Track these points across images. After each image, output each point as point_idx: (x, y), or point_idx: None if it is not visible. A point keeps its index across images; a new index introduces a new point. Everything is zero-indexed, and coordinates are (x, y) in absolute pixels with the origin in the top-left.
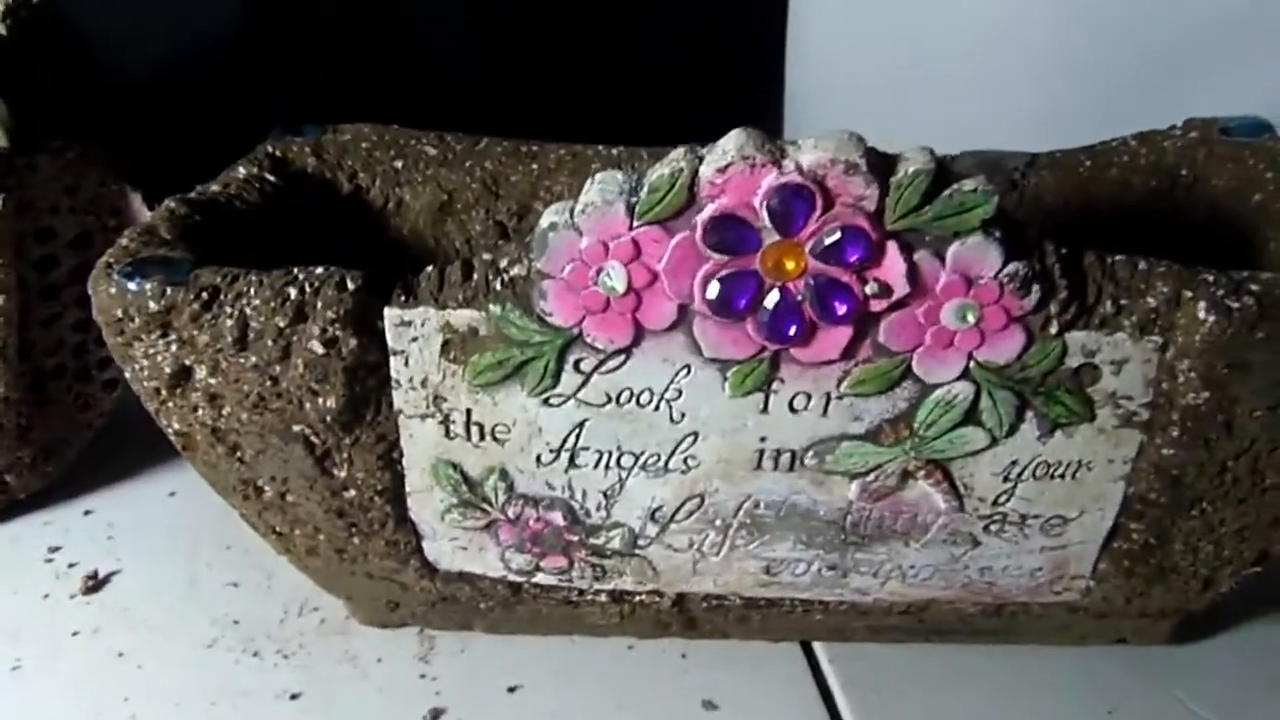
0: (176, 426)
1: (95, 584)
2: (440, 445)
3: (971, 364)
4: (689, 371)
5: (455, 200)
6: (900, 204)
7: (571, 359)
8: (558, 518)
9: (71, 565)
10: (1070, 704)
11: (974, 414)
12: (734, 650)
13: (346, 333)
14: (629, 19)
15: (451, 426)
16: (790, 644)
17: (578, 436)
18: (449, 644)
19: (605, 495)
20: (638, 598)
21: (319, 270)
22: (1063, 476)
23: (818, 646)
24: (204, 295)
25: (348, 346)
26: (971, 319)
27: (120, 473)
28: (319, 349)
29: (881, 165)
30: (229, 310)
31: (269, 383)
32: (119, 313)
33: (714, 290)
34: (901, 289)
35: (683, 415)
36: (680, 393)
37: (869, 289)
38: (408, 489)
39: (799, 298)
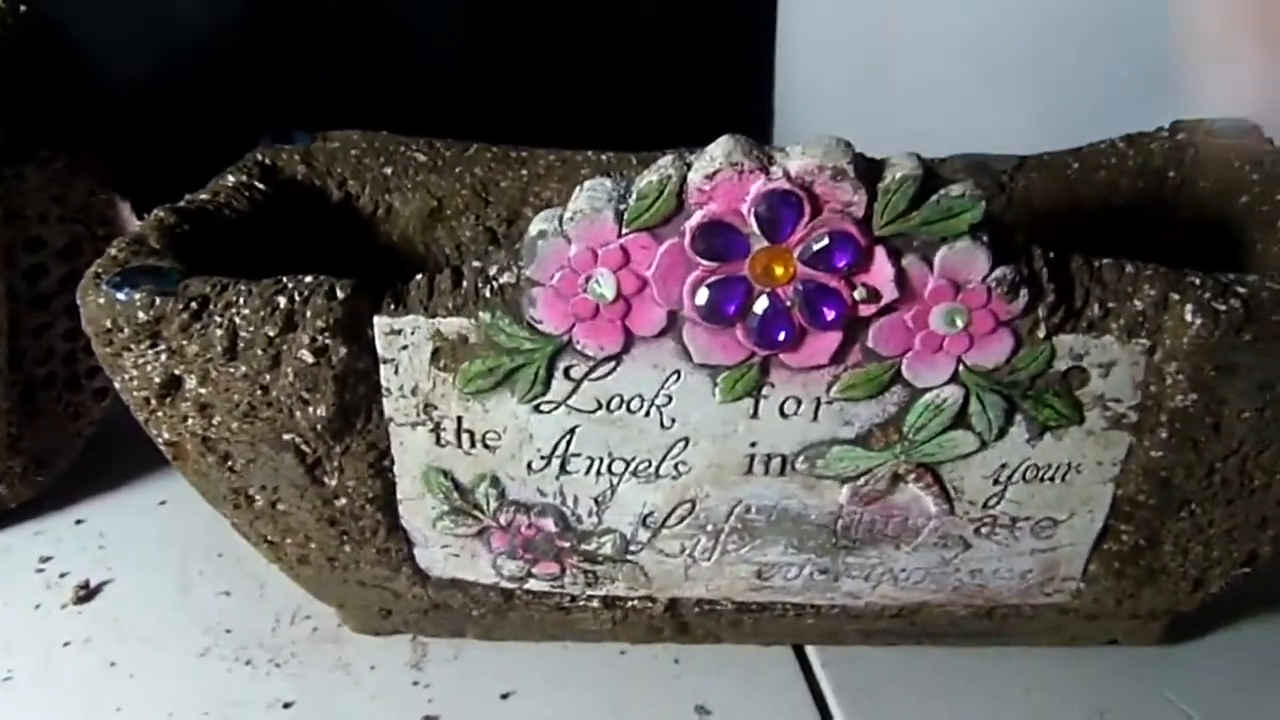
0: (166, 436)
1: (87, 594)
2: (431, 453)
3: (960, 368)
4: (679, 377)
5: (445, 207)
6: (888, 209)
7: (562, 366)
8: (549, 524)
9: (63, 575)
10: (1062, 705)
11: (963, 417)
12: (726, 654)
13: (336, 341)
14: (620, 24)
15: (442, 434)
16: (782, 648)
17: (568, 443)
18: (441, 651)
19: (596, 501)
20: (630, 603)
21: (308, 279)
22: (1052, 479)
23: (810, 650)
24: (193, 305)
25: (338, 355)
26: (960, 323)
27: (111, 482)
28: (309, 358)
29: (869, 171)
30: (218, 320)
31: (259, 392)
32: (108, 323)
33: (703, 296)
34: (890, 294)
35: (673, 421)
36: (670, 399)
37: (857, 294)
38: (399, 497)
39: (788, 303)
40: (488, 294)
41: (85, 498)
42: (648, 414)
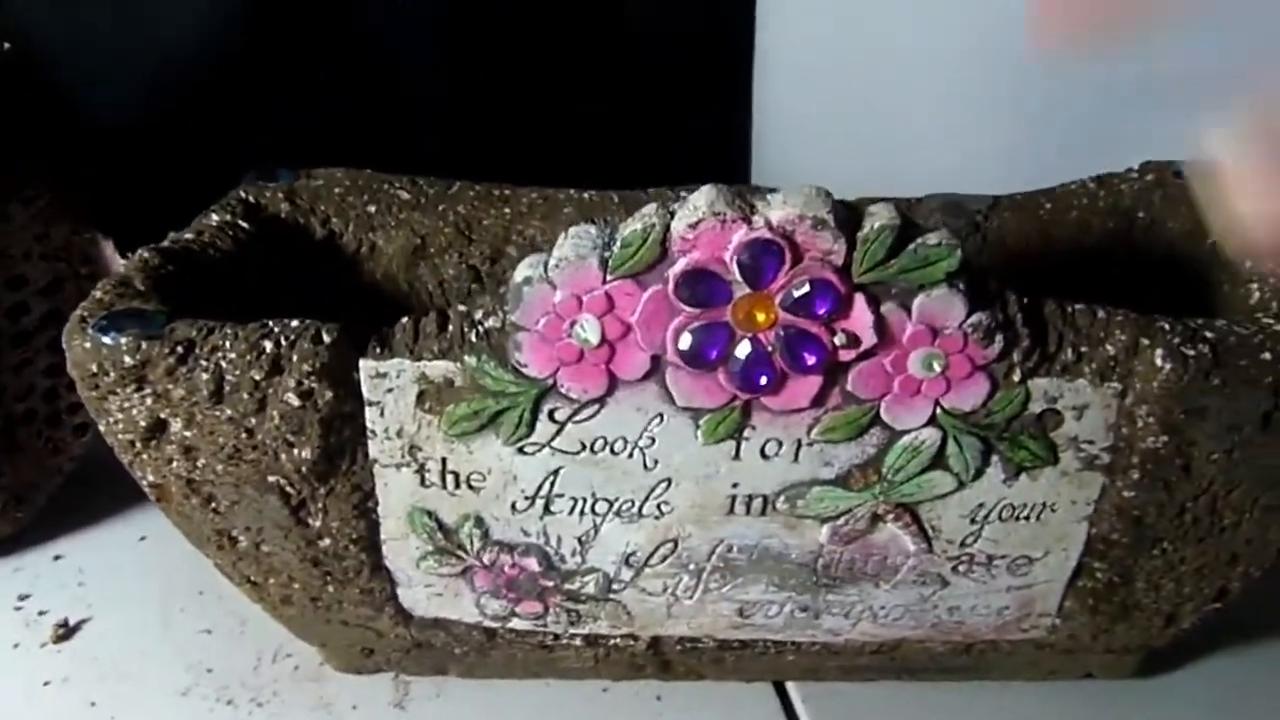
0: (151, 478)
1: (66, 632)
2: (416, 493)
3: (938, 411)
4: (662, 420)
5: (428, 244)
6: (867, 258)
7: (546, 408)
8: (533, 564)
9: (42, 613)
10: None
11: (941, 459)
12: (708, 691)
13: (322, 385)
14: (600, 59)
15: (427, 475)
16: (764, 684)
17: (552, 484)
18: (424, 689)
19: (580, 541)
20: (612, 641)
21: (294, 323)
22: (1028, 518)
23: (791, 686)
24: (179, 349)
25: (323, 398)
26: (937, 368)
27: (90, 517)
28: (295, 401)
29: (848, 220)
30: (204, 363)
31: (244, 434)
32: (94, 367)
33: (686, 341)
34: (869, 339)
35: (656, 462)
36: (653, 440)
37: (837, 340)
38: (383, 537)
39: (769, 348)
40: (473, 338)
41: (64, 534)
42: (631, 455)
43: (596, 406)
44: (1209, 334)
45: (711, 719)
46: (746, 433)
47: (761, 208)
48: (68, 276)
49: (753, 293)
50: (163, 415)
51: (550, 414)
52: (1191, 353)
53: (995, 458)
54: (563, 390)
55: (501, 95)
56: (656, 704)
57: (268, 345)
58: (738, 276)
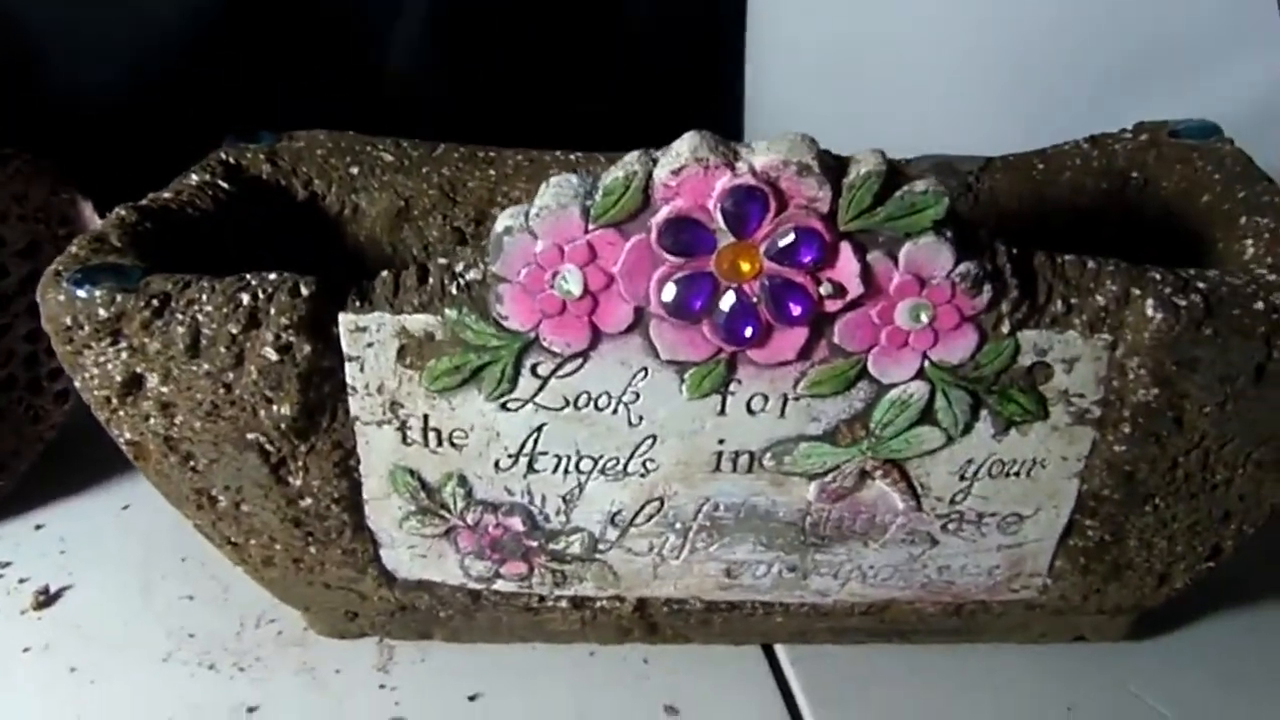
0: (128, 436)
1: (46, 599)
2: (397, 452)
3: (926, 363)
4: (646, 374)
5: (412, 206)
6: (853, 205)
7: (529, 363)
8: (517, 523)
9: (22, 581)
10: (1030, 701)
11: (929, 413)
12: (696, 654)
13: (300, 339)
14: (591, 30)
15: (409, 432)
16: (752, 647)
17: (536, 441)
18: (408, 653)
19: (564, 500)
20: (598, 603)
21: (272, 276)
22: (1018, 474)
23: (779, 649)
24: (155, 302)
25: (302, 353)
26: (925, 319)
27: (72, 486)
28: (273, 355)
29: (834, 167)
30: (180, 317)
31: (222, 390)
32: (68, 320)
33: (670, 292)
34: (855, 289)
35: (640, 418)
36: (638, 395)
37: (823, 289)
38: (365, 496)
39: (754, 299)
40: (454, 291)
41: (46, 503)
42: (615, 411)
43: (580, 360)
44: (1201, 284)
45: (699, 682)
46: (732, 387)
47: (745, 154)
48: (46, 238)
49: (737, 241)
50: (139, 370)
51: (533, 368)
52: (1183, 303)
53: (984, 412)
54: (545, 343)
55: (491, 61)
56: (644, 667)
57: (245, 298)
58: (721, 225)
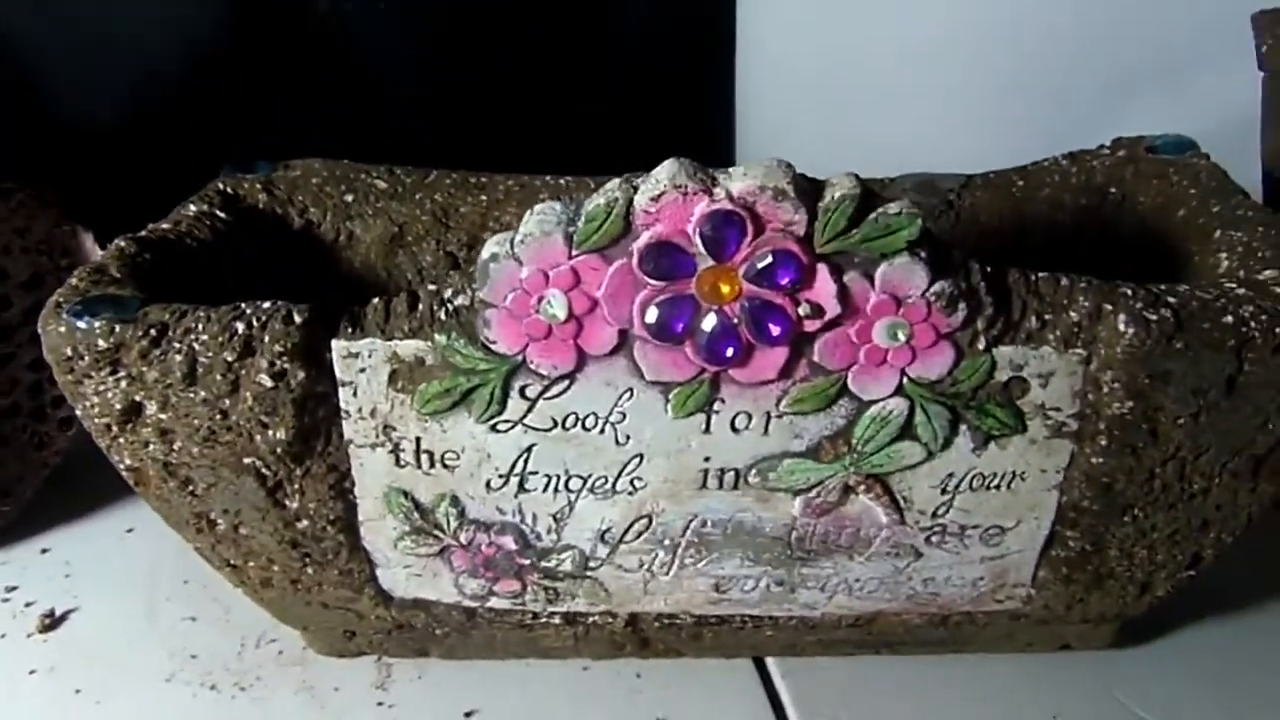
0: (128, 462)
1: (52, 622)
2: (391, 473)
3: (904, 380)
4: (631, 395)
5: (406, 233)
6: (828, 227)
7: (517, 385)
8: (509, 542)
9: (29, 604)
10: (1017, 710)
11: (909, 429)
12: (687, 668)
13: (294, 365)
14: (581, 53)
15: (401, 455)
16: (743, 660)
17: (526, 461)
18: (406, 671)
19: (555, 518)
20: (591, 619)
21: (266, 305)
22: (998, 487)
23: (770, 662)
24: (152, 332)
25: (296, 379)
26: (902, 337)
27: (77, 511)
28: (267, 382)
29: (809, 191)
30: (177, 346)
31: (219, 416)
32: (69, 351)
33: (652, 315)
34: (833, 309)
35: (627, 438)
36: (624, 416)
37: (802, 310)
38: (360, 518)
39: (735, 320)
40: (443, 316)
41: (51, 527)
42: (602, 431)
43: (566, 382)
44: (1171, 299)
45: (691, 696)
46: (716, 406)
47: (723, 180)
48: (49, 270)
49: (716, 264)
50: (138, 398)
51: (521, 391)
52: (1154, 317)
53: (963, 426)
54: (532, 366)
55: (481, 89)
56: (636, 681)
57: (239, 327)
58: (701, 249)
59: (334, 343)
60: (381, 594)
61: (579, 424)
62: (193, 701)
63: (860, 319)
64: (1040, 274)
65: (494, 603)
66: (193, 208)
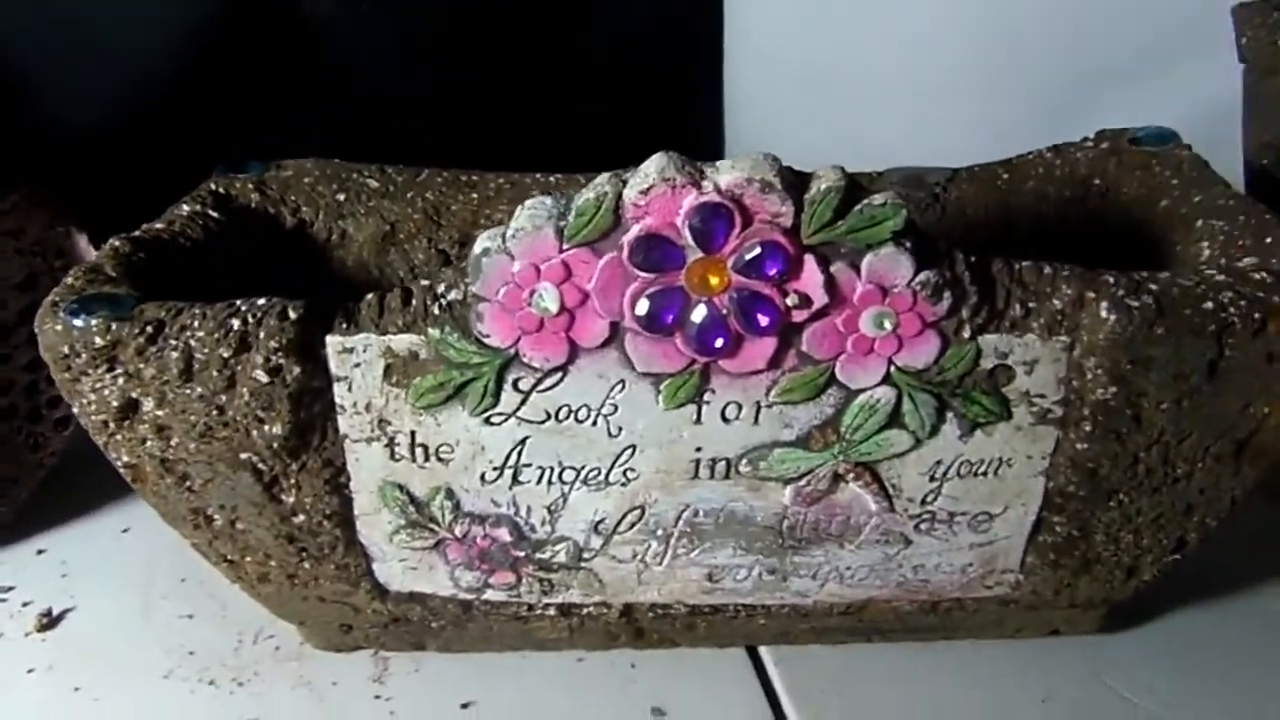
0: (125, 459)
1: (49, 621)
2: (386, 467)
3: (891, 369)
4: (623, 386)
5: (398, 231)
6: (814, 219)
7: (510, 378)
8: (504, 534)
9: (25, 604)
10: (1007, 694)
11: (897, 417)
12: (681, 658)
13: (290, 361)
14: (570, 50)
15: (396, 449)
16: (736, 649)
17: (520, 454)
18: (402, 664)
19: (549, 510)
20: (585, 610)
21: (261, 301)
22: (985, 474)
23: (763, 650)
24: (149, 329)
25: (291, 374)
26: (888, 326)
27: (72, 511)
28: (263, 378)
29: (796, 183)
30: (174, 343)
31: (215, 412)
32: (65, 349)
33: (643, 307)
34: (820, 299)
35: (619, 429)
36: (616, 407)
37: (790, 300)
38: (356, 512)
39: (724, 311)
40: (436, 311)
41: (47, 527)
42: (595, 423)
43: (559, 375)
44: (1153, 285)
45: (685, 685)
46: (706, 396)
47: (710, 173)
48: (43, 271)
49: (705, 256)
50: (134, 395)
51: (514, 383)
52: (1135, 304)
53: (950, 414)
54: (525, 359)
55: (471, 88)
56: (631, 671)
57: (235, 323)
58: (690, 241)
59: (329, 338)
60: (378, 588)
61: (572, 416)
62: (191, 697)
63: (847, 309)
64: (1024, 263)
65: (489, 595)
66: (186, 208)
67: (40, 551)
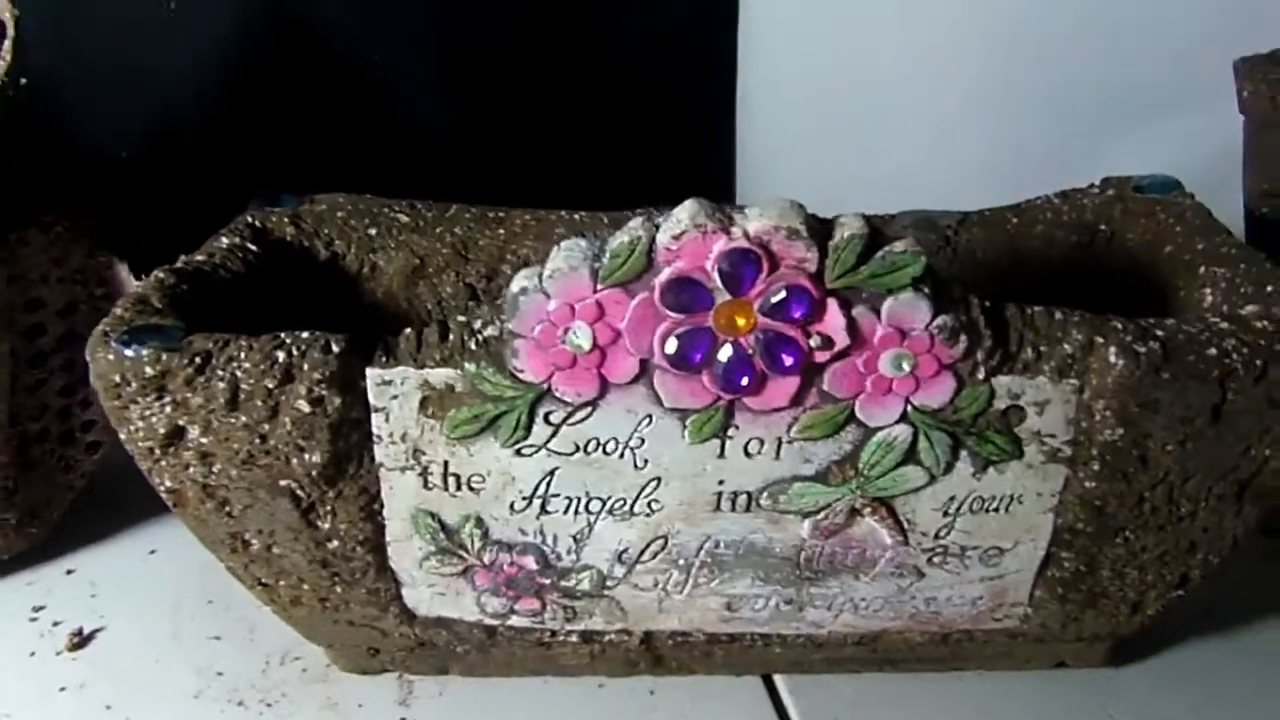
0: (168, 483)
1: (80, 641)
2: (419, 495)
3: (909, 408)
4: (650, 421)
5: (427, 264)
6: (838, 265)
7: (542, 412)
8: (530, 562)
9: (56, 624)
10: None
11: (913, 454)
12: (699, 685)
13: (331, 392)
14: (589, 92)
15: (430, 478)
16: (752, 677)
17: (548, 484)
18: (427, 688)
19: (575, 539)
20: (607, 637)
21: (305, 335)
22: (997, 510)
23: (778, 679)
24: (197, 359)
25: (332, 405)
26: (907, 367)
27: (101, 532)
28: (305, 408)
29: (821, 230)
30: (221, 373)
31: (258, 440)
32: (117, 378)
33: (672, 346)
34: (842, 341)
35: (646, 462)
36: (643, 441)
37: (813, 342)
38: (388, 538)
39: (750, 351)
40: (473, 346)
41: (76, 548)
42: (622, 456)
43: (589, 409)
44: (1159, 332)
45: (703, 712)
46: (730, 432)
47: (740, 220)
48: (83, 299)
49: (733, 299)
50: (181, 423)
51: (546, 417)
52: (1143, 349)
53: (964, 452)
54: (557, 394)
55: (497, 122)
56: (650, 698)
57: (280, 355)
58: (719, 284)
59: (369, 370)
60: (406, 612)
61: (600, 448)
62: (220, 718)
63: (867, 350)
64: (1036, 308)
65: (514, 621)
66: (225, 240)
67: (70, 572)
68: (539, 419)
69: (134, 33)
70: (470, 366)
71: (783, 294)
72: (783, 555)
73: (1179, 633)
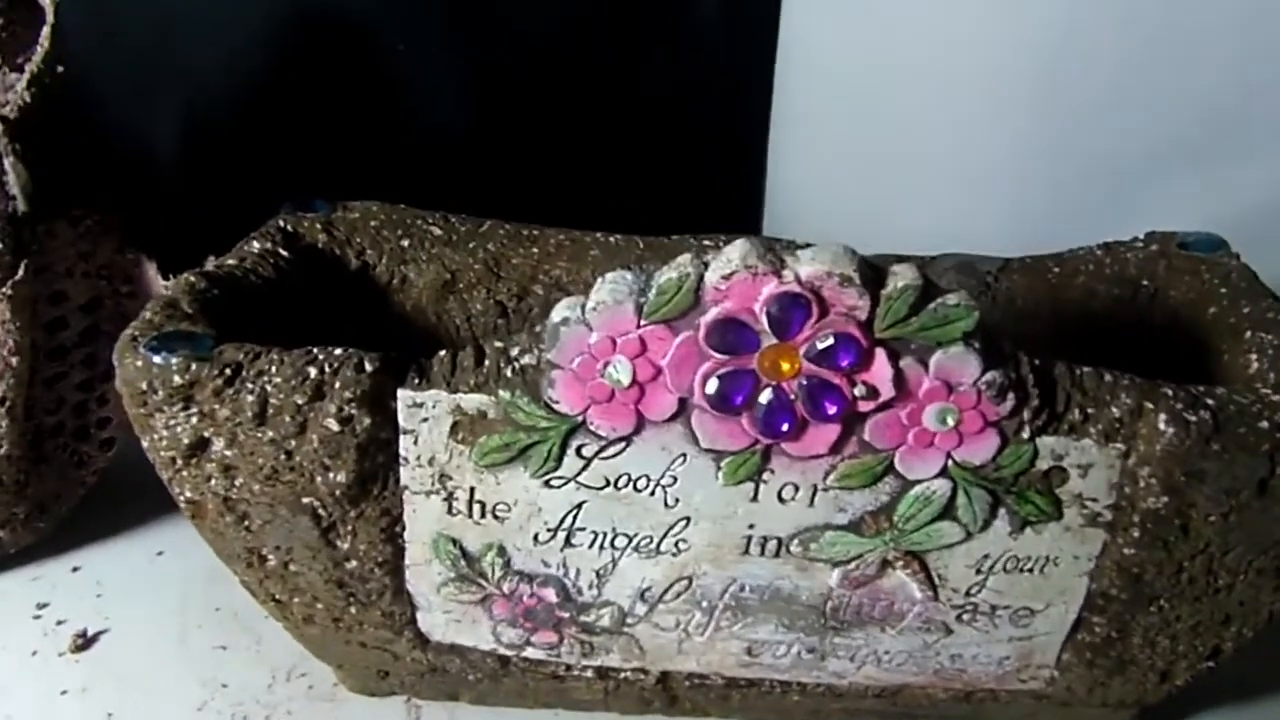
0: (188, 494)
1: (84, 642)
2: (442, 521)
3: (950, 463)
4: (685, 460)
5: (458, 280)
6: (889, 315)
7: (575, 444)
8: (551, 594)
9: (60, 622)
10: None
11: (951, 509)
12: None
13: (361, 411)
14: (623, 118)
15: (454, 503)
16: None
17: (575, 517)
18: (435, 714)
19: (598, 574)
20: (623, 674)
21: (338, 351)
22: (1031, 570)
23: None
24: (227, 371)
25: (361, 424)
26: (951, 422)
27: (109, 530)
28: (334, 426)
29: (873, 278)
30: (250, 386)
31: (283, 456)
32: (143, 384)
33: (713, 386)
34: (888, 392)
35: (676, 501)
36: (675, 479)
37: (858, 391)
38: (407, 562)
39: (792, 396)
40: (509, 373)
41: (82, 545)
42: (653, 493)
43: (623, 444)
44: (1210, 401)
45: None
46: (765, 476)
47: (791, 263)
48: (107, 295)
49: (779, 343)
50: (206, 434)
51: (578, 449)
52: (1193, 418)
53: (1002, 510)
54: (592, 427)
55: (531, 140)
56: None
57: (312, 371)
58: (766, 327)
59: (400, 392)
60: (420, 637)
61: (631, 484)
62: None
63: (912, 402)
64: (1085, 369)
65: (529, 652)
66: (256, 245)
67: (75, 569)
68: (571, 451)
69: (174, 31)
70: (505, 394)
71: (830, 341)
72: (809, 603)
73: (1204, 702)
